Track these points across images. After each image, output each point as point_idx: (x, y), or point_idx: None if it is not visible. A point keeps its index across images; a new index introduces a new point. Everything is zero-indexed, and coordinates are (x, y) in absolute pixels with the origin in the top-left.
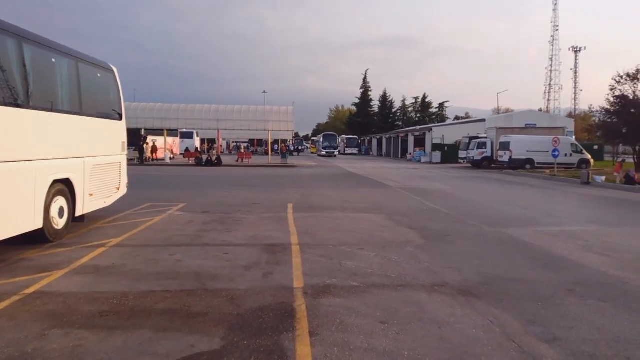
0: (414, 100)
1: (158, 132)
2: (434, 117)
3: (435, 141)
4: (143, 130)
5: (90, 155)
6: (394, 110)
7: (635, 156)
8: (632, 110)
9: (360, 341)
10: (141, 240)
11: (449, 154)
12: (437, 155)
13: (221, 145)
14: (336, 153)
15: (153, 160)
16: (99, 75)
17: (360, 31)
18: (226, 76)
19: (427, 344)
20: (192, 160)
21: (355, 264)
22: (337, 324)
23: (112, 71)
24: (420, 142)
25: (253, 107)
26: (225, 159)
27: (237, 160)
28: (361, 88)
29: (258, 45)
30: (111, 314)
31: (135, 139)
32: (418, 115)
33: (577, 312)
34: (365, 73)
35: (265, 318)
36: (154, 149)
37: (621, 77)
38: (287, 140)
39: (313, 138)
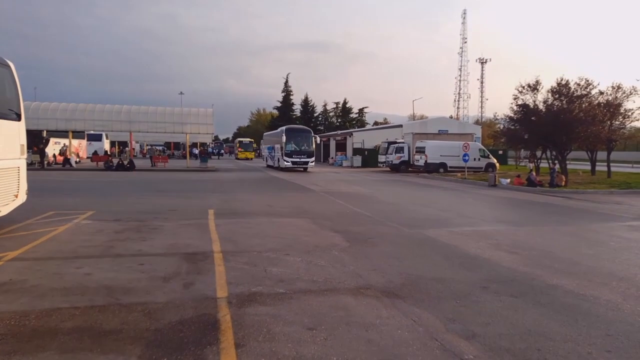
0: (335, 105)
1: (62, 133)
2: (354, 122)
3: (356, 146)
4: (45, 132)
5: None
6: (315, 114)
7: (534, 160)
8: (533, 118)
9: (288, 349)
10: (44, 253)
11: (369, 158)
12: (358, 160)
13: (133, 149)
14: (312, 163)
15: (54, 164)
16: None
17: (281, 34)
18: (141, 75)
19: (355, 347)
20: (100, 164)
21: (281, 270)
22: (264, 334)
23: (8, 66)
24: (341, 146)
25: (169, 109)
26: (138, 163)
27: (153, 165)
28: (283, 92)
29: (173, 43)
30: (8, 336)
31: (35, 141)
32: (339, 120)
33: (492, 309)
34: (287, 77)
35: (186, 332)
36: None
37: (523, 87)
38: (206, 144)
39: (241, 139)
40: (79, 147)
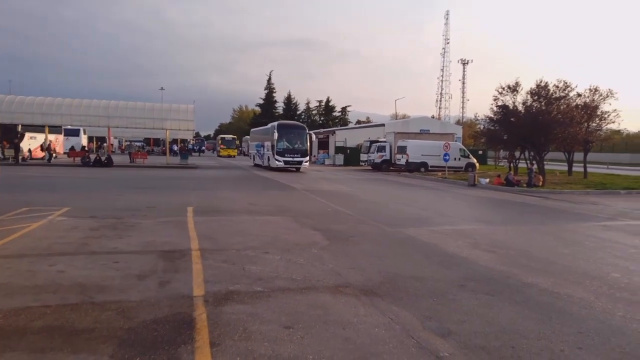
0: (318, 104)
1: (38, 128)
2: (337, 120)
3: (339, 144)
4: (20, 126)
5: None
6: (298, 112)
7: (512, 160)
8: (512, 119)
9: (265, 348)
10: (15, 250)
11: (351, 156)
12: (340, 158)
13: (112, 144)
14: (306, 163)
15: (29, 159)
16: None
17: (266, 31)
18: (121, 70)
19: (332, 346)
20: (77, 160)
21: (260, 268)
22: (240, 332)
23: None
24: (324, 144)
25: (149, 104)
26: (117, 159)
27: (132, 161)
28: (265, 89)
29: (156, 37)
30: None
31: (10, 135)
32: (322, 118)
33: (468, 307)
34: (270, 74)
35: (161, 331)
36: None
37: (503, 88)
38: (187, 140)
39: (223, 136)
40: (56, 143)
